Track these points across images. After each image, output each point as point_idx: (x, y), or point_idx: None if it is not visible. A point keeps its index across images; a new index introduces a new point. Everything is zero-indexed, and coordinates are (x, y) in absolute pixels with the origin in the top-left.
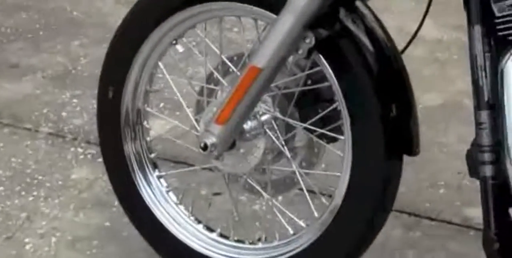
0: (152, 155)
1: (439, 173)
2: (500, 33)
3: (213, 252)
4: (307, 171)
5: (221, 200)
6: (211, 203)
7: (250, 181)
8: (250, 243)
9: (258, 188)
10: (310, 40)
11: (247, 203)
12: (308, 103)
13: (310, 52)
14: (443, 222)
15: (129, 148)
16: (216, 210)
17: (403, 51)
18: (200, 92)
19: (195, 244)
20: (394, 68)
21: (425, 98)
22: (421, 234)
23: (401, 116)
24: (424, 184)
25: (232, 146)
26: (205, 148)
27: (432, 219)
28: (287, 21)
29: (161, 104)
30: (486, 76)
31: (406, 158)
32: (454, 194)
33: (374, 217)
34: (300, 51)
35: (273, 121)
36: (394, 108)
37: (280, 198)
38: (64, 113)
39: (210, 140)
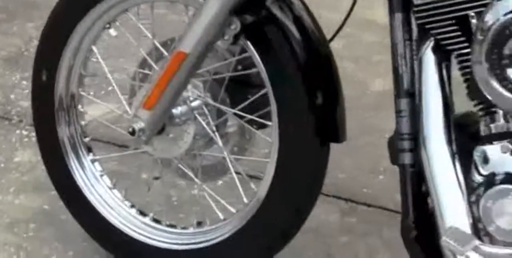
0: (87, 139)
1: (380, 159)
2: (419, 22)
3: (146, 236)
4: (237, 156)
5: (160, 184)
6: (150, 187)
7: (181, 166)
8: (182, 228)
9: (189, 173)
10: (236, 26)
11: (186, 187)
12: (238, 89)
13: (236, 38)
14: (379, 208)
15: (63, 132)
16: (156, 194)
17: (330, 40)
18: (134, 77)
19: (127, 228)
20: (321, 56)
21: (373, 84)
22: (356, 220)
23: (327, 104)
24: (364, 170)
25: (161, 130)
26: (133, 132)
27: (368, 205)
28: (213, 6)
29: (99, 89)
30: (406, 65)
31: (347, 144)
32: (392, 180)
33: (301, 203)
34: (226, 37)
35: (204, 107)
36: (320, 96)
37: (220, 182)
38: (12, 96)
39: (138, 125)
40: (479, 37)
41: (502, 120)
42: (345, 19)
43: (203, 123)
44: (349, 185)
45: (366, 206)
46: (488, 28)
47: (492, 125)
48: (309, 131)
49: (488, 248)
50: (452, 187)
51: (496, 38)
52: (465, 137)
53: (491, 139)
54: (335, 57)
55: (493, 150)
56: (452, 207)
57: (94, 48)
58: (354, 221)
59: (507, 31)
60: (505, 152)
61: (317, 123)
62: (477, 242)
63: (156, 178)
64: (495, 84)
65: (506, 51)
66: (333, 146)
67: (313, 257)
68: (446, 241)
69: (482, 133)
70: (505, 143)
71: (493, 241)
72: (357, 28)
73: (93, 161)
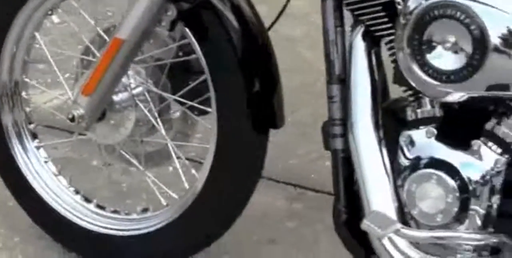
0: (31, 126)
1: None
2: (348, 8)
3: (89, 222)
4: (179, 143)
5: (111, 171)
6: (102, 174)
7: (123, 153)
8: (126, 214)
9: (132, 159)
10: (172, 13)
11: (136, 174)
12: (179, 75)
13: (173, 24)
14: (327, 194)
15: (7, 118)
16: (106, 180)
17: (269, 28)
18: (77, 64)
19: (71, 215)
20: (259, 44)
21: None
22: (303, 205)
23: (265, 91)
24: (313, 156)
25: (102, 117)
26: (72, 119)
27: (316, 191)
28: None
29: (44, 75)
30: (337, 51)
31: (301, 130)
32: None
33: (240, 189)
34: (163, 23)
35: (146, 93)
36: (258, 83)
37: (171, 169)
38: None
39: (78, 111)
40: (402, 22)
41: (428, 106)
42: (284, 6)
43: (145, 109)
44: (299, 171)
45: (314, 191)
46: (410, 13)
47: (418, 111)
48: (247, 117)
49: (409, 232)
50: (378, 172)
51: (417, 24)
52: (393, 122)
53: (417, 123)
54: (293, 44)
55: (419, 135)
56: (377, 191)
57: (37, 34)
58: (301, 206)
59: (428, 17)
60: (429, 137)
61: (255, 110)
62: (398, 225)
63: (108, 165)
64: (417, 70)
65: (426, 36)
66: (287, 132)
67: (256, 242)
68: (366, 224)
69: (409, 118)
70: (430, 127)
71: (417, 225)
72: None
73: (38, 148)
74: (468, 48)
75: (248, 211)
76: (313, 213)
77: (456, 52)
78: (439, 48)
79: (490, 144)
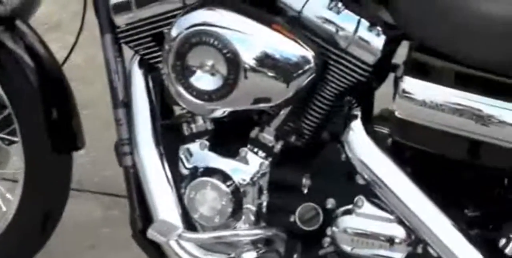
0: None
1: None
2: (122, 41)
3: None
4: None
5: None
6: None
7: None
8: None
9: None
10: None
11: None
12: None
13: None
14: None
15: None
16: None
17: (63, 63)
18: None
19: None
20: (54, 77)
21: None
22: (118, 212)
23: (63, 119)
24: None
25: None
26: None
27: None
28: None
29: None
30: (119, 79)
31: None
32: None
33: (50, 206)
34: None
35: None
36: (56, 113)
37: None
38: None
39: None
40: (166, 49)
41: (201, 121)
42: (74, 44)
43: None
44: (113, 181)
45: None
46: (173, 40)
47: (193, 126)
48: (49, 143)
49: (191, 235)
50: (162, 184)
51: (179, 51)
52: (174, 138)
53: (193, 137)
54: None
55: (195, 147)
56: (162, 201)
57: None
58: (116, 213)
59: (187, 44)
60: (203, 149)
61: (55, 136)
62: (180, 231)
63: None
64: (183, 92)
65: (187, 62)
66: (100, 146)
67: (80, 249)
68: (151, 233)
69: (186, 133)
70: (203, 140)
71: (202, 227)
72: None
73: None
74: (224, 70)
75: (68, 221)
76: (126, 218)
77: (214, 74)
78: (199, 72)
79: (255, 150)
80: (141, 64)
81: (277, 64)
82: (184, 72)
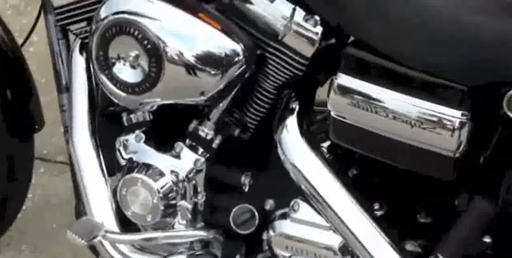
0: None
1: None
2: (60, 23)
3: None
4: None
5: None
6: None
7: None
8: None
9: None
10: None
11: None
12: None
13: None
14: None
15: None
16: None
17: (22, 44)
18: None
19: None
20: (12, 58)
21: None
22: None
23: (21, 101)
24: None
25: None
26: None
27: None
28: None
29: None
30: (62, 62)
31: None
32: None
33: (12, 190)
34: None
35: None
36: (12, 95)
37: None
38: None
39: None
40: (91, 38)
41: (140, 111)
42: (34, 25)
43: None
44: None
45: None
46: (95, 30)
47: (131, 116)
48: (5, 125)
49: (115, 236)
50: (95, 176)
51: (101, 40)
52: (111, 127)
53: (130, 128)
54: None
55: (131, 139)
56: (95, 195)
57: None
58: None
59: (109, 34)
60: (138, 141)
61: (12, 118)
62: (102, 232)
63: None
64: (108, 83)
65: (110, 52)
66: None
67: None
68: (69, 234)
69: (125, 124)
70: (139, 132)
71: (138, 226)
72: None
73: None
74: (145, 62)
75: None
76: None
77: (136, 66)
78: (121, 63)
79: (192, 144)
80: (82, 47)
81: (203, 56)
82: (107, 64)
